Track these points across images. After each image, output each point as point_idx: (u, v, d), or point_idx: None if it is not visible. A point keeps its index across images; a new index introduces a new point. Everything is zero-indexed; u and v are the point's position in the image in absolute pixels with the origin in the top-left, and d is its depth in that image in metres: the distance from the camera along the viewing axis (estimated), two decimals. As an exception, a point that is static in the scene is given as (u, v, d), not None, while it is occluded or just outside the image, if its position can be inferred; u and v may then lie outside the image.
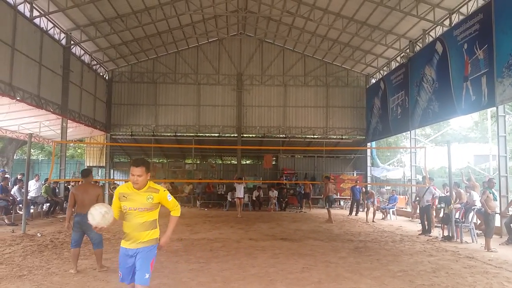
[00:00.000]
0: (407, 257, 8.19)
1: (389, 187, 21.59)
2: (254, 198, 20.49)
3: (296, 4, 17.98)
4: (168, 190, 18.98)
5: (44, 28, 15.57)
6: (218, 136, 23.66)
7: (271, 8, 18.93)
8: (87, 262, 7.17)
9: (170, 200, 4.01)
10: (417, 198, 13.02)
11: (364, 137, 23.32)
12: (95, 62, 20.95)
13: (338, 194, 23.27)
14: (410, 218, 16.24)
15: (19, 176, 15.11)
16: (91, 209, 3.76)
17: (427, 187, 12.03)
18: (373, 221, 15.30)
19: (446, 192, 12.92)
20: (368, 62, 21.67)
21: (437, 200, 12.57)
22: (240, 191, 17.20)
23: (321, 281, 6.19)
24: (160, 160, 26.75)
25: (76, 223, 6.54)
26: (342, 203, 22.60)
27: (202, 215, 17.04)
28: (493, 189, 10.45)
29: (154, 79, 23.26)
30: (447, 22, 14.81)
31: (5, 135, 19.13)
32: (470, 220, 10.54)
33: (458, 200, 11.89)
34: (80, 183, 7.04)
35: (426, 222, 11.96)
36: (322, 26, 19.17)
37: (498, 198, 11.37)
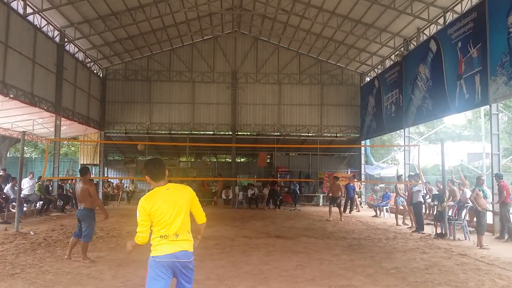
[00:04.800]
0: (400, 254, 8.24)
1: (382, 185, 21.68)
2: (249, 196, 20.55)
3: (291, 2, 17.96)
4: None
5: (38, 25, 15.44)
6: (212, 134, 23.62)
7: (266, 6, 18.90)
8: (81, 260, 7.15)
9: None
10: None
11: (358, 135, 23.37)
12: (89, 60, 20.82)
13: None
14: (404, 216, 16.29)
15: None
16: None
17: (418, 184, 12.12)
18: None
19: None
20: (362, 60, 21.71)
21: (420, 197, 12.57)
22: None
23: (314, 278, 6.21)
24: (154, 158, 26.65)
25: (76, 216, 7.30)
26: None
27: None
28: (483, 187, 10.51)
29: (149, 76, 23.16)
30: (441, 21, 14.86)
31: (-2, 132, 19.03)
32: (463, 217, 10.62)
33: (451, 197, 11.97)
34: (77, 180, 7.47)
35: (415, 219, 12.12)
36: (317, 24, 19.16)
37: (489, 195, 11.38)
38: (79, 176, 7.78)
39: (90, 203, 7.13)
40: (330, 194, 15.95)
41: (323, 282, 5.97)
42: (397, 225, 13.57)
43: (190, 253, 3.40)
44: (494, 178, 11.00)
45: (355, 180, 20.79)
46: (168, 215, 3.32)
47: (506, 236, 10.15)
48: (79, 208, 7.25)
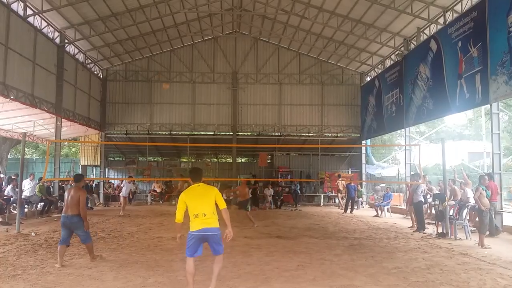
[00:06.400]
0: (401, 254, 8.23)
1: (383, 185, 21.68)
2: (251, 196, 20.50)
3: (291, 2, 17.96)
4: (162, 189, 19.02)
5: (38, 27, 15.45)
6: (213, 135, 23.63)
7: (265, 6, 18.90)
8: (82, 261, 7.16)
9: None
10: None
11: (359, 135, 23.37)
12: (90, 61, 20.83)
13: (333, 191, 23.41)
14: (405, 215, 16.30)
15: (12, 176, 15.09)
16: None
17: (419, 184, 12.10)
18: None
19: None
20: (362, 60, 21.70)
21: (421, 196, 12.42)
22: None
23: (316, 278, 6.21)
24: (155, 159, 26.69)
25: (62, 223, 7.07)
26: (336, 200, 22.65)
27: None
28: (485, 186, 10.48)
29: (149, 77, 23.17)
30: (441, 20, 14.85)
31: (-1, 134, 19.04)
32: (464, 217, 10.60)
33: (452, 197, 11.94)
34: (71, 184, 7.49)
35: (416, 218, 12.11)
36: (317, 24, 19.16)
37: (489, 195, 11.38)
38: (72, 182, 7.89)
39: (77, 210, 7.04)
40: (240, 199, 14.19)
41: (324, 282, 5.97)
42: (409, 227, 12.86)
43: (215, 228, 5.15)
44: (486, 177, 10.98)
45: (340, 179, 20.86)
46: (197, 201, 5.15)
47: (488, 233, 10.17)
48: (65, 214, 7.01)
